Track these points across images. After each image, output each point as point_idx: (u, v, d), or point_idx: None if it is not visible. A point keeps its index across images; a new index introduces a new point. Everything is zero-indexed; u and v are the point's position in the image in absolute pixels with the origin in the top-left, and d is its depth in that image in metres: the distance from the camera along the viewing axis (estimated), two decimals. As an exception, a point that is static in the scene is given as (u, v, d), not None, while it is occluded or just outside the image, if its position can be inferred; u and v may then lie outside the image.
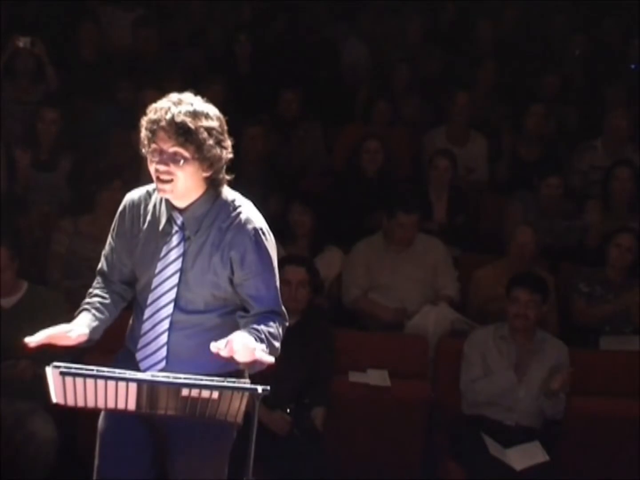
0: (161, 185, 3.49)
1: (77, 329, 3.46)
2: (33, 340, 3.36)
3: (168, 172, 3.45)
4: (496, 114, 8.66)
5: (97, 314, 3.58)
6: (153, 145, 3.46)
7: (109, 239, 3.71)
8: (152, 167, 3.49)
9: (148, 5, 9.23)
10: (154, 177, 3.51)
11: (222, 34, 9.31)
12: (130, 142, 6.54)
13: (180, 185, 3.48)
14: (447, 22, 9.83)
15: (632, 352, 6.04)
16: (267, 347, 3.42)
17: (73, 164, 7.31)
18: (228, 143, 3.53)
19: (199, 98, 3.51)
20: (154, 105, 3.48)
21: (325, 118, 8.40)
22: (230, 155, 3.55)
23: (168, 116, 3.41)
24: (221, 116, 3.53)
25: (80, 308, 3.61)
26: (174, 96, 3.49)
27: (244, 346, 3.30)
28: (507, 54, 9.24)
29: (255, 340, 3.39)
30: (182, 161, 3.44)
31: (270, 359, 3.33)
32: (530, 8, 9.89)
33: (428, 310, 6.28)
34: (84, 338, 3.47)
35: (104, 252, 3.73)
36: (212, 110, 3.51)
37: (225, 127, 3.53)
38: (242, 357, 3.30)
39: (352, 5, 9.84)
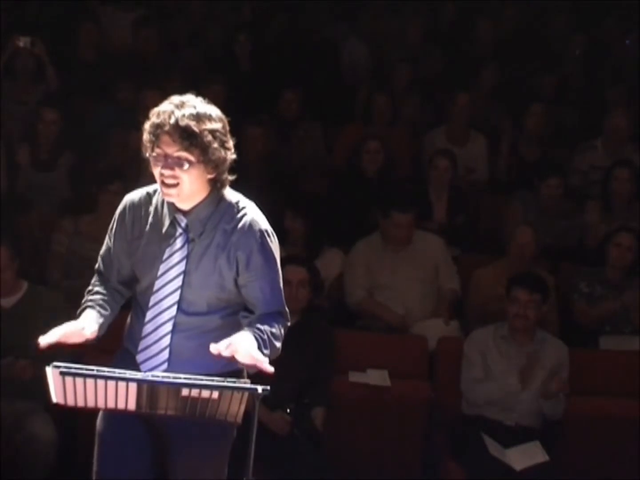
0: (167, 190, 3.48)
1: (89, 325, 3.46)
2: (46, 340, 3.35)
3: (173, 177, 3.44)
4: (496, 114, 8.67)
5: (102, 310, 3.58)
6: (157, 150, 3.45)
7: (107, 240, 3.70)
8: (156, 171, 3.48)
9: (148, 5, 9.23)
10: (158, 181, 3.50)
11: (222, 34, 9.31)
12: (130, 142, 6.59)
13: (185, 188, 3.47)
14: (447, 22, 9.83)
15: (632, 352, 6.03)
16: (268, 348, 3.44)
17: (73, 164, 7.32)
18: (231, 144, 3.53)
19: (200, 99, 3.50)
20: (156, 109, 3.47)
21: (325, 118, 8.41)
22: (234, 156, 3.55)
23: (172, 120, 3.40)
24: (223, 117, 3.52)
25: (83, 305, 3.60)
26: (175, 99, 3.48)
27: (246, 351, 3.31)
28: (507, 54, 9.24)
29: (257, 339, 3.40)
30: (187, 165, 3.43)
31: (270, 369, 3.31)
32: (530, 8, 9.90)
33: (437, 324, 6.29)
34: (95, 334, 3.47)
35: (101, 253, 3.72)
36: (214, 111, 3.50)
37: (228, 128, 3.53)
38: (242, 359, 3.31)
39: (352, 5, 9.84)
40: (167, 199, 3.54)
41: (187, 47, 9.12)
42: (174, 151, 3.42)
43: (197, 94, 3.52)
